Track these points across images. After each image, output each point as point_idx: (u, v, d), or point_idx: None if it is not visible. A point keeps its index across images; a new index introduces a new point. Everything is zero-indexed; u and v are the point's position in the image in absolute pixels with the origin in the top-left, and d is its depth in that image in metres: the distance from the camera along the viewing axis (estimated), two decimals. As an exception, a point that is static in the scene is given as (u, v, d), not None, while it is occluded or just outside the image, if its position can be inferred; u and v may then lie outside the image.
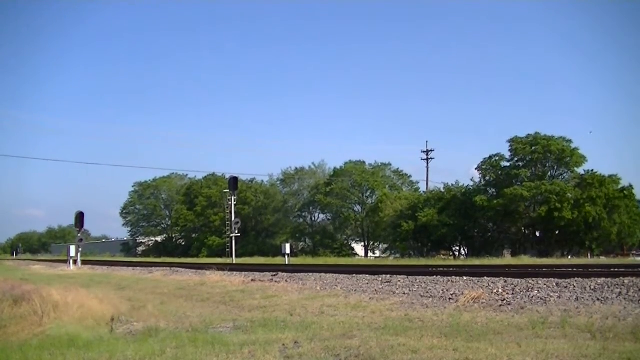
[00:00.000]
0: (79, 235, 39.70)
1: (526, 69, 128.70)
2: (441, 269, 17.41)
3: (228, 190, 38.57)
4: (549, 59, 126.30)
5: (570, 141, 42.98)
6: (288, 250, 31.44)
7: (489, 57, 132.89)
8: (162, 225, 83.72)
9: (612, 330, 6.89)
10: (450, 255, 45.71)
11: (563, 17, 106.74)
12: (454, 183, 48.52)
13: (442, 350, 6.07)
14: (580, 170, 42.98)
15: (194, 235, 73.43)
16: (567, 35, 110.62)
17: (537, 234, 44.85)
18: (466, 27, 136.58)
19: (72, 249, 36.43)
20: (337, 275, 15.99)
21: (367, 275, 15.08)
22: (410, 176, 64.09)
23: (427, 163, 57.12)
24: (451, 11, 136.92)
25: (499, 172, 44.96)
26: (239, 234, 35.86)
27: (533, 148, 42.77)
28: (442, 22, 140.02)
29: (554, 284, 10.79)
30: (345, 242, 62.64)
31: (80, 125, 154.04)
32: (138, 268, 29.01)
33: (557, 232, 41.96)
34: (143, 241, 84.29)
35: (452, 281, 12.61)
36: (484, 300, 10.05)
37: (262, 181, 71.14)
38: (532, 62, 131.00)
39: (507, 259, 33.26)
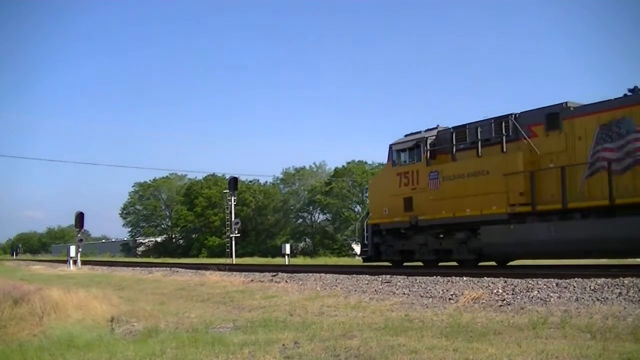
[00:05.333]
0: (79, 235, 39.63)
1: (526, 66, 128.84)
2: (441, 269, 17.39)
3: (228, 191, 38.55)
4: (549, 56, 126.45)
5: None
6: (288, 251, 31.40)
7: (490, 57, 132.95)
8: (162, 226, 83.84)
9: (612, 331, 6.88)
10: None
11: (563, 12, 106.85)
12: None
13: (442, 350, 6.07)
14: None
15: (193, 236, 73.55)
16: (567, 31, 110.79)
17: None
18: (466, 27, 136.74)
19: (72, 249, 36.40)
20: (337, 275, 15.96)
21: (367, 276, 15.04)
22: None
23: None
24: (450, 11, 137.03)
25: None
26: (238, 234, 35.81)
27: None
28: (442, 23, 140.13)
29: (554, 284, 10.77)
30: (345, 242, 62.66)
31: (79, 125, 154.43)
32: (138, 268, 28.97)
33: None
34: (143, 241, 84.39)
35: (452, 281, 12.59)
36: (484, 301, 10.03)
37: (266, 182, 71.39)
38: (532, 59, 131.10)
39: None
